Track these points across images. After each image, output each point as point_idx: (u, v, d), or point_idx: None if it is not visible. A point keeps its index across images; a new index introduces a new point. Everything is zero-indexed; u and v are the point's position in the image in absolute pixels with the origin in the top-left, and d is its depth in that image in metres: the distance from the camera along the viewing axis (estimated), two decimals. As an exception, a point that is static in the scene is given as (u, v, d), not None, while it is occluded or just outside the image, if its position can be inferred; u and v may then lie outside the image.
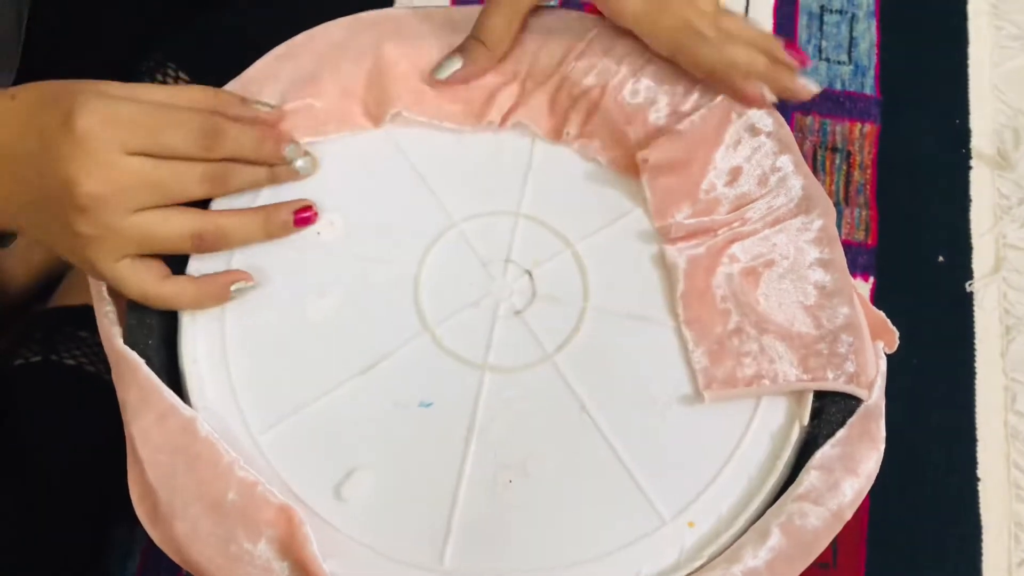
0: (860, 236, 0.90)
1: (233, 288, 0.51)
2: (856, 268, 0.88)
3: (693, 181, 0.53)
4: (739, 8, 1.01)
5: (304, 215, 0.52)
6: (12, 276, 0.78)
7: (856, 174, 0.93)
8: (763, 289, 0.51)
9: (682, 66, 0.55)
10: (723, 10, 0.55)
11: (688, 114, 0.54)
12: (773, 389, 0.49)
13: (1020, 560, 0.78)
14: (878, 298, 0.87)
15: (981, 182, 0.92)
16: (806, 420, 0.49)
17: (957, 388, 0.84)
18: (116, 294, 0.50)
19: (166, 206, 0.49)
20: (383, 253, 0.53)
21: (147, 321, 0.50)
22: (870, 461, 0.48)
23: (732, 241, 0.52)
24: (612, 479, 0.48)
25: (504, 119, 0.56)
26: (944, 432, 0.83)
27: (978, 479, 0.81)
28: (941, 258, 0.89)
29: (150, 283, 0.49)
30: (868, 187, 0.92)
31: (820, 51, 0.98)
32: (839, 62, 0.98)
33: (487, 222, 0.54)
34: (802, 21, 1.00)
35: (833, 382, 0.49)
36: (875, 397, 0.49)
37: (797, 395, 0.50)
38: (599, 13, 0.56)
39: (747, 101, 0.54)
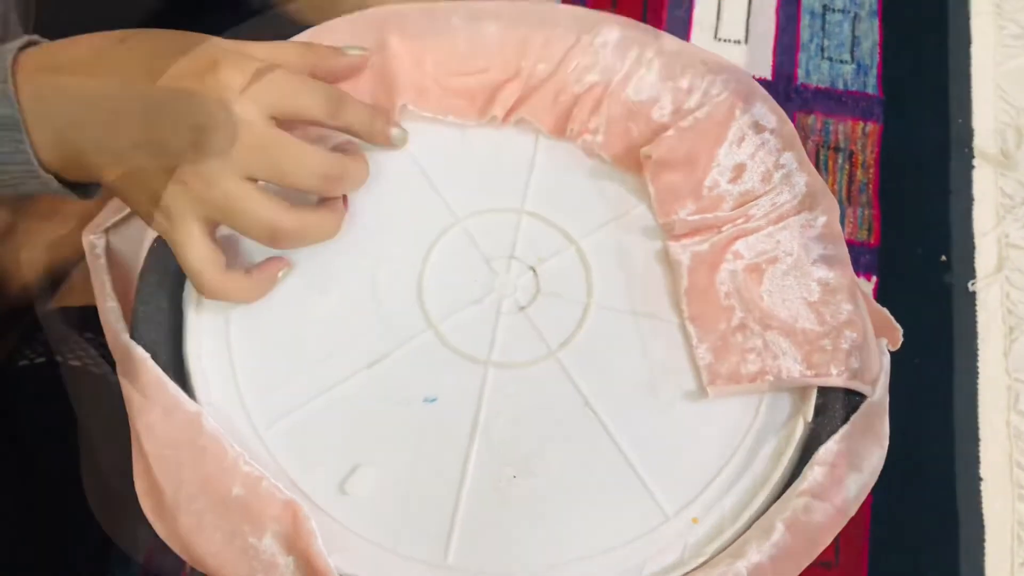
0: (863, 235, 0.90)
1: (280, 275, 0.51)
2: (859, 267, 0.88)
3: (697, 178, 0.53)
4: (740, 9, 1.01)
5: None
6: (14, 276, 0.78)
7: (859, 173, 0.93)
8: (767, 285, 0.51)
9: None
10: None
11: (692, 111, 0.55)
12: (777, 385, 0.49)
13: (1023, 560, 0.78)
14: (881, 297, 0.87)
15: (984, 181, 0.92)
16: (810, 416, 0.49)
17: (959, 388, 0.84)
18: (119, 292, 0.50)
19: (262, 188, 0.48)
20: (387, 250, 0.53)
21: (153, 317, 0.50)
22: (874, 457, 0.48)
23: (736, 238, 0.52)
24: (616, 475, 0.48)
25: (507, 116, 0.56)
26: (946, 432, 0.83)
27: (981, 479, 0.81)
28: (944, 257, 0.89)
29: (214, 265, 0.48)
30: (871, 186, 0.92)
31: (823, 50, 0.98)
32: (842, 61, 0.98)
33: (491, 219, 0.54)
34: (804, 20, 1.00)
35: (837, 378, 0.49)
36: (879, 393, 0.49)
37: (801, 391, 0.50)
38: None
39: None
